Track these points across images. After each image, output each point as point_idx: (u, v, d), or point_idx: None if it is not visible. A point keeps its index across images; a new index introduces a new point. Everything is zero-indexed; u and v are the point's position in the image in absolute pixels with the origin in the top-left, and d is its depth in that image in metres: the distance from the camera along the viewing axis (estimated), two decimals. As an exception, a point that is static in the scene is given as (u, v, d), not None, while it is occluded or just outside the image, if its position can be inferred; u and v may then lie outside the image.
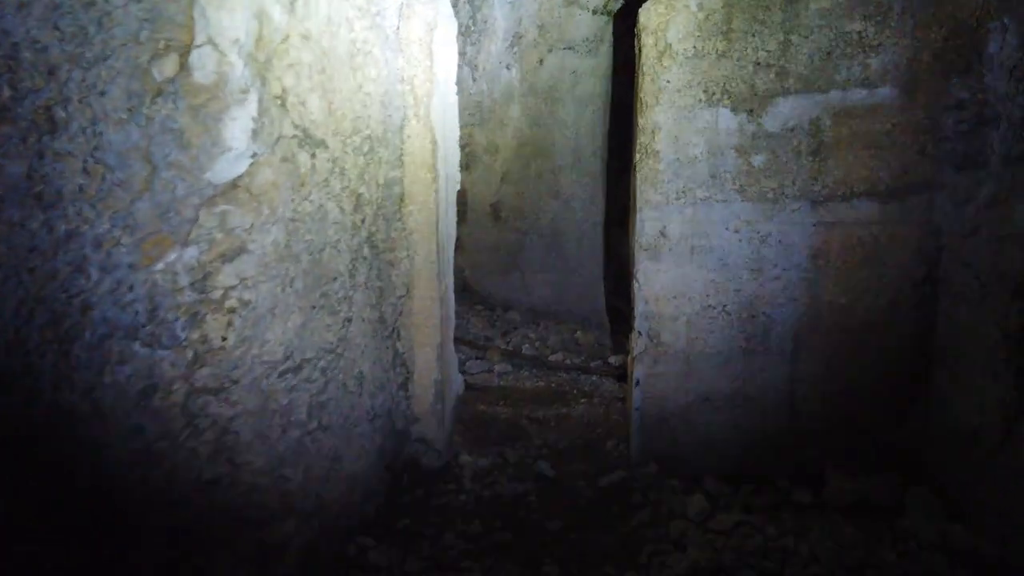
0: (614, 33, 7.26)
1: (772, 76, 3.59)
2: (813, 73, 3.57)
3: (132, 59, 2.13)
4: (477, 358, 5.76)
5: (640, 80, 3.74)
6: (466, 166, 7.79)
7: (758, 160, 3.64)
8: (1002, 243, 3.10)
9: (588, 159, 7.57)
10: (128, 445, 2.25)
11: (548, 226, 7.76)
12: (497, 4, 7.25)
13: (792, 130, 3.62)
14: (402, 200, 3.74)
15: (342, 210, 3.04)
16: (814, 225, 3.64)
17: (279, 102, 2.47)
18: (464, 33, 7.47)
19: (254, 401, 2.48)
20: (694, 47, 3.62)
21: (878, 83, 3.54)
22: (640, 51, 3.74)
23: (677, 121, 3.67)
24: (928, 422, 3.66)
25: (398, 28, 3.65)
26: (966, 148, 3.41)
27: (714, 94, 3.64)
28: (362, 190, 3.29)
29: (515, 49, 7.55)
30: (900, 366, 3.68)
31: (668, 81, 3.65)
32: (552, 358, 5.94)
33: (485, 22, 7.40)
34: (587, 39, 7.43)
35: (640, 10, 3.72)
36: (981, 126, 3.32)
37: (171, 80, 2.15)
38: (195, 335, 2.29)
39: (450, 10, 3.98)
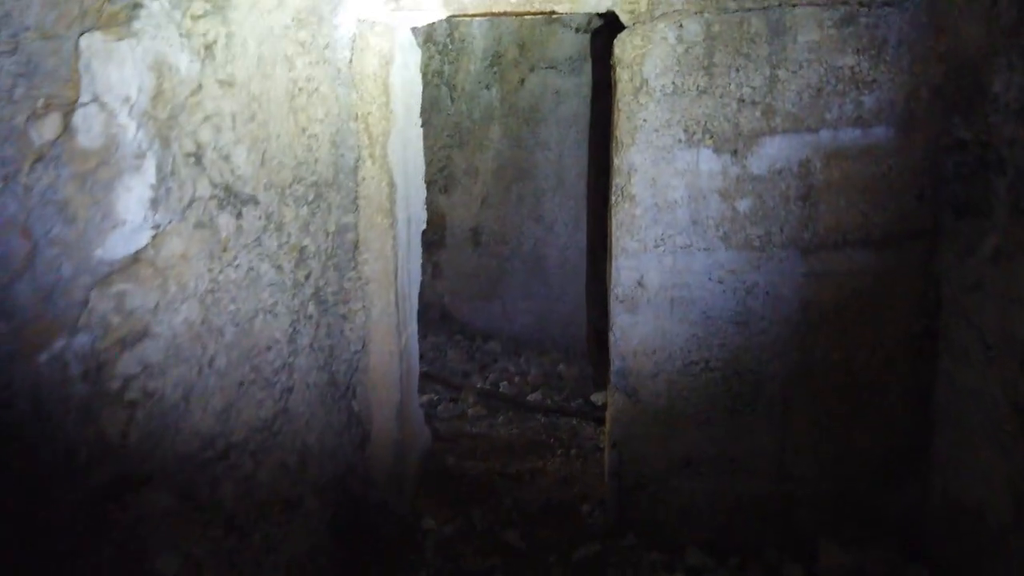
0: (595, 53, 6.99)
1: (758, 114, 3.31)
2: (802, 111, 3.29)
3: (6, 120, 1.82)
4: (451, 399, 5.46)
5: (615, 117, 3.45)
6: (444, 189, 7.51)
7: (743, 205, 3.36)
8: (1009, 304, 2.81)
9: (572, 181, 7.30)
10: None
11: (530, 251, 7.48)
12: (475, 22, 6.97)
13: (780, 172, 3.34)
14: (356, 247, 3.44)
15: (280, 269, 2.74)
16: (804, 275, 3.36)
17: (192, 160, 2.17)
18: (441, 52, 7.19)
19: (166, 501, 2.17)
20: (673, 83, 3.33)
21: (872, 122, 3.26)
22: (615, 85, 3.45)
23: (655, 162, 3.38)
24: (928, 492, 3.37)
25: (351, 61, 3.35)
26: (968, 193, 3.13)
27: (695, 133, 3.35)
28: (306, 242, 2.98)
29: (495, 68, 7.27)
30: (897, 429, 3.40)
31: (645, 119, 3.37)
32: (531, 397, 5.64)
33: (463, 41, 7.13)
34: (570, 58, 7.16)
35: (615, 41, 3.43)
36: (984, 170, 3.04)
37: (52, 144, 1.84)
38: (89, 433, 1.99)
39: (411, 38, 3.69)
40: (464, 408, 5.25)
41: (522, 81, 7.29)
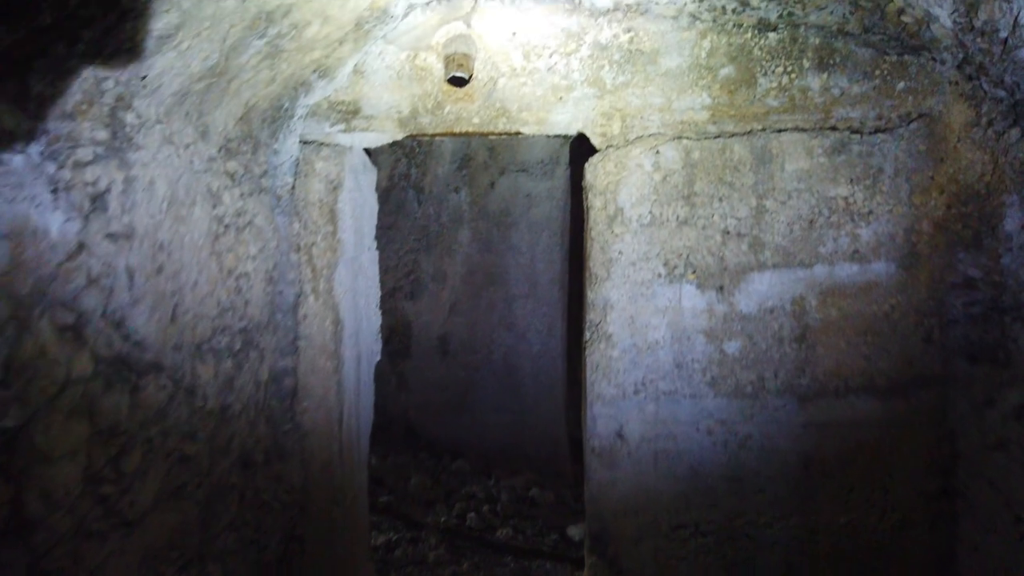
0: (571, 156, 6.82)
1: (745, 248, 3.01)
2: (794, 244, 3.00)
3: None
4: (411, 540, 4.92)
5: (588, 247, 3.13)
6: (410, 295, 7.15)
7: (732, 347, 3.01)
8: (1044, 474, 2.45)
9: (545, 287, 6.97)
10: None
11: (501, 361, 7.07)
12: (443, 126, 6.78)
13: (772, 311, 3.01)
14: (295, 395, 3.02)
15: (191, 439, 2.31)
16: (803, 426, 2.99)
17: (69, 335, 1.77)
18: (408, 155, 6.97)
19: None
20: (651, 212, 3.03)
21: (871, 257, 2.97)
22: (587, 212, 3.15)
23: (633, 299, 3.04)
24: None
25: (293, 188, 3.03)
26: (981, 337, 2.82)
27: (676, 268, 3.04)
28: (230, 400, 2.56)
29: (464, 171, 7.06)
30: (918, 605, 2.97)
31: (620, 252, 3.05)
32: (501, 533, 5.12)
33: (431, 144, 6.92)
34: (542, 161, 6.97)
35: (586, 166, 3.15)
36: (999, 313, 2.74)
37: None
38: None
39: (364, 159, 3.39)
40: (425, 551, 4.71)
41: (492, 184, 7.07)
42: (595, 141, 3.16)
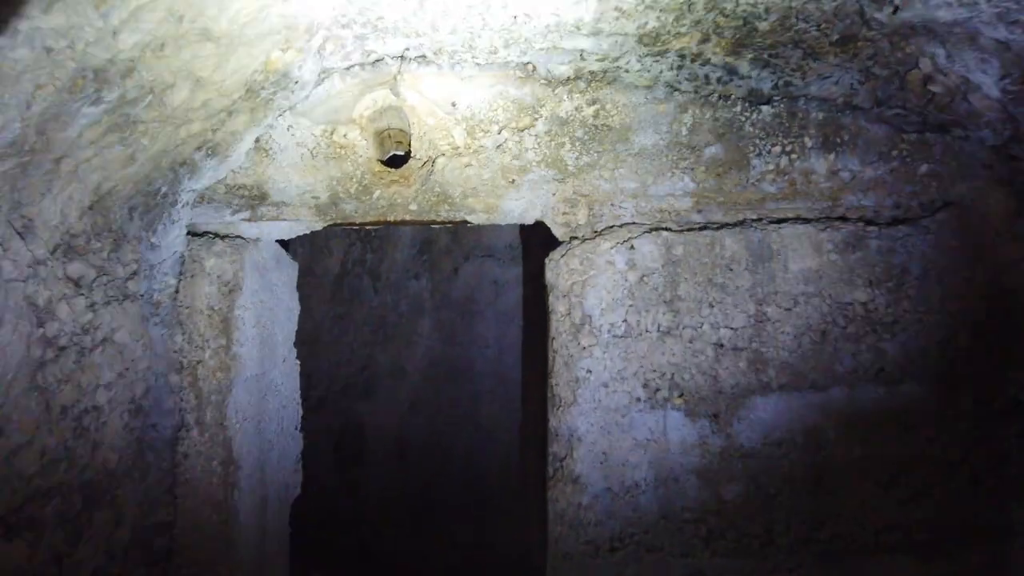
0: (524, 243, 6.31)
1: (743, 365, 2.44)
2: (803, 361, 2.43)
3: None
4: None
5: (551, 361, 2.54)
6: (365, 393, 6.47)
7: (732, 491, 2.40)
8: None
9: (514, 383, 6.35)
10: None
11: (466, 463, 6.38)
12: (401, 207, 6.28)
13: (779, 445, 2.42)
14: (169, 558, 2.34)
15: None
16: (825, 595, 2.34)
17: None
18: (362, 239, 6.43)
19: None
20: (625, 321, 2.47)
21: (899, 377, 2.41)
22: (549, 318, 2.58)
23: (606, 429, 2.44)
24: None
25: (176, 292, 2.43)
26: (1044, 479, 2.23)
27: (659, 390, 2.45)
28: (58, 587, 1.88)
29: (425, 256, 6.51)
30: None
31: (589, 370, 2.46)
32: None
33: (389, 227, 6.40)
34: (510, 245, 6.46)
35: (546, 262, 2.60)
36: (1066, 451, 2.15)
37: None
38: None
39: (278, 252, 2.81)
40: None
41: (456, 270, 6.52)
42: (557, 232, 2.62)
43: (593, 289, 2.48)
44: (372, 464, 6.45)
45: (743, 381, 2.44)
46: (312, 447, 5.01)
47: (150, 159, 2.05)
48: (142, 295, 2.30)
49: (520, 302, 6.49)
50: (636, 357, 2.46)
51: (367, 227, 2.86)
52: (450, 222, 2.74)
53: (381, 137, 2.83)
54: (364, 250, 6.45)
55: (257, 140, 2.46)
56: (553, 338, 2.56)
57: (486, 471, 6.41)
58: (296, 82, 2.20)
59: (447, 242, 6.48)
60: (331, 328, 6.27)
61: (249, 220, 2.61)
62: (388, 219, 2.72)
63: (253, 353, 2.62)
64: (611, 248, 2.49)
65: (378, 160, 2.73)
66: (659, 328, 2.46)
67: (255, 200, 2.58)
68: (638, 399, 2.45)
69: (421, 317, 6.54)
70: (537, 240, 5.30)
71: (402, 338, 6.52)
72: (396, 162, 2.77)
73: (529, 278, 6.10)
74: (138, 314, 2.27)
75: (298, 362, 3.13)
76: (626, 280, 2.48)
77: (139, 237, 2.25)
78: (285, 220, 2.62)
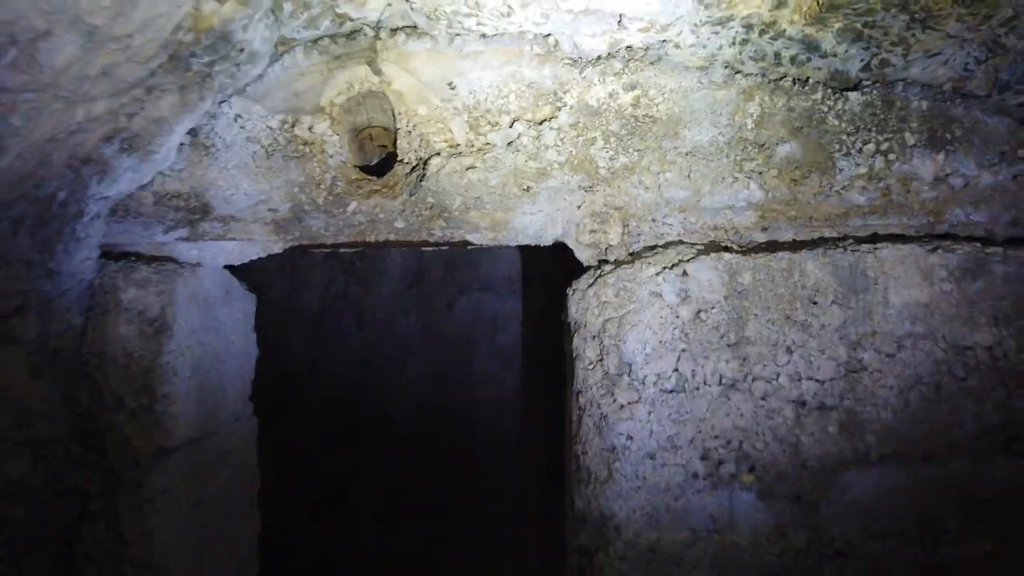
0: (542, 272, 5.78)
1: (833, 429, 1.88)
2: (912, 424, 1.87)
3: None
4: None
5: (576, 422, 1.98)
6: (345, 446, 5.87)
7: (823, 602, 1.82)
8: None
9: (513, 433, 5.76)
10: None
11: (461, 528, 5.76)
12: (389, 236, 5.74)
13: (883, 539, 1.84)
14: None
15: None
16: None
17: None
18: (346, 271, 5.87)
19: None
20: (677, 371, 1.91)
21: (1041, 445, 1.85)
22: (572, 365, 2.02)
23: (652, 518, 1.87)
24: None
25: (83, 334, 1.87)
26: None
27: (723, 463, 1.88)
28: None
29: (415, 290, 5.96)
30: None
31: (629, 436, 1.90)
32: None
33: (375, 257, 5.85)
34: (509, 278, 5.92)
35: (568, 294, 2.05)
36: None
37: None
38: None
39: (230, 282, 2.26)
40: None
41: (450, 305, 5.97)
42: (582, 255, 2.08)
43: (634, 329, 1.93)
44: (354, 528, 5.82)
45: (833, 451, 1.88)
46: (286, 506, 4.39)
47: (32, 149, 1.50)
48: (32, 340, 1.73)
49: (521, 341, 5.93)
50: (692, 419, 1.90)
51: (342, 250, 2.30)
52: (446, 243, 2.20)
53: (360, 138, 2.30)
54: (347, 282, 5.89)
55: (194, 133, 1.92)
56: (579, 392, 1.99)
57: (488, 539, 5.78)
58: (242, 51, 1.67)
59: (440, 274, 5.94)
60: (309, 372, 5.68)
61: (188, 240, 2.06)
62: (368, 239, 2.17)
63: (188, 413, 2.04)
64: (657, 275, 1.94)
65: (355, 166, 2.20)
66: (721, 380, 1.91)
67: (195, 214, 2.03)
68: (695, 475, 1.88)
69: (411, 358, 5.98)
70: (538, 270, 4.76)
71: (389, 383, 5.95)
72: (378, 167, 2.24)
73: (531, 315, 5.54)
74: (24, 365, 1.70)
75: (255, 418, 2.55)
76: (677, 317, 1.92)
77: (27, 260, 1.70)
78: (234, 240, 2.07)
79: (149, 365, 1.91)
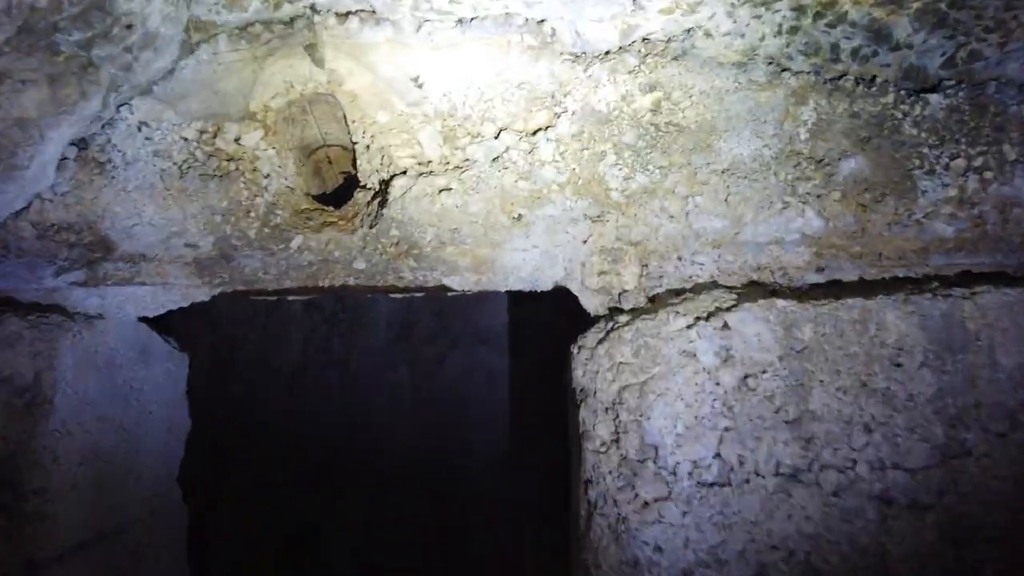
0: (537, 318, 5.33)
1: (931, 536, 1.42)
2: (1039, 530, 1.40)
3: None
4: None
5: (584, 524, 1.51)
6: (328, 524, 5.33)
7: None
8: None
9: (510, 504, 5.23)
10: None
11: (453, 608, 5.18)
12: (375, 284, 5.30)
13: None
14: None
15: None
16: None
17: None
18: (328, 320, 5.42)
19: None
20: (719, 457, 1.45)
21: None
22: (578, 445, 1.56)
23: (689, 658, 1.37)
24: None
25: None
26: None
27: (784, 584, 1.40)
28: None
29: (404, 343, 5.50)
30: None
31: (659, 547, 1.43)
32: None
33: (359, 307, 5.40)
34: (506, 328, 5.47)
35: (573, 353, 1.60)
36: None
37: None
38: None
39: (147, 339, 1.81)
40: None
41: (441, 360, 5.49)
42: (589, 302, 1.64)
43: (660, 400, 1.47)
44: (333, 607, 5.25)
45: (933, 568, 1.40)
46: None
47: None
48: None
49: (520, 398, 5.47)
50: (742, 523, 1.42)
51: (288, 296, 1.86)
52: (419, 289, 1.77)
53: (315, 161, 1.88)
54: (329, 334, 5.43)
55: (83, 145, 1.50)
56: (587, 482, 1.53)
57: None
58: (129, 27, 1.25)
59: (431, 324, 5.48)
60: (288, 431, 5.19)
61: (85, 285, 1.62)
62: (320, 284, 1.74)
63: (77, 510, 1.57)
64: (688, 328, 1.49)
65: (307, 195, 1.77)
66: (779, 470, 1.44)
67: (94, 251, 1.59)
68: (748, 601, 1.40)
69: (399, 418, 5.49)
70: (532, 315, 4.31)
71: (374, 443, 5.44)
72: (337, 197, 1.82)
73: (525, 376, 5.08)
74: None
75: (185, 507, 2.07)
76: (718, 384, 1.47)
77: None
78: (145, 284, 1.63)
79: (15, 451, 1.45)
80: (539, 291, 1.73)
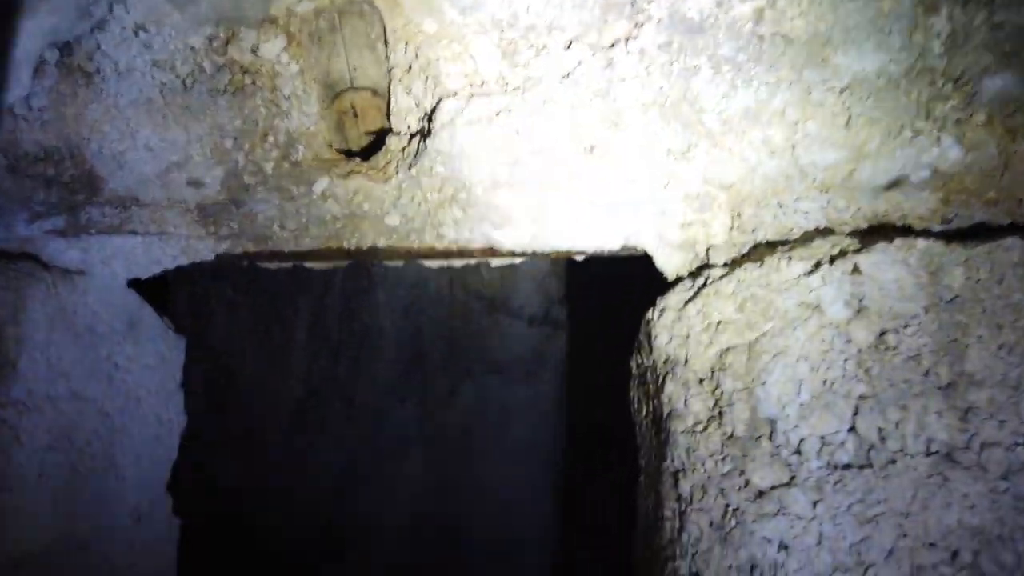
0: (570, 353, 5.08)
1: None
2: None
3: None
4: None
5: (663, 524, 1.20)
6: (327, 560, 4.96)
7: None
8: None
9: (531, 549, 4.91)
10: None
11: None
12: (383, 307, 5.01)
13: None
14: None
15: None
16: None
17: None
18: (332, 348, 5.12)
19: None
20: (853, 432, 1.15)
21: None
22: (662, 431, 1.26)
23: None
24: None
25: None
26: None
27: (948, 594, 1.09)
28: None
29: (413, 372, 5.19)
30: None
31: (783, 546, 1.12)
32: None
33: (365, 333, 5.10)
34: (522, 359, 5.15)
35: (652, 319, 1.32)
36: None
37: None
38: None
39: (134, 304, 1.53)
40: None
41: (452, 391, 5.16)
42: (666, 262, 1.39)
43: (778, 362, 1.18)
44: (333, 664, 4.84)
45: None
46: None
47: None
48: None
49: (535, 436, 5.21)
50: (889, 515, 1.12)
51: (310, 263, 1.59)
52: (461, 253, 1.50)
53: (339, 111, 1.63)
54: (334, 361, 5.12)
55: (67, 51, 1.24)
56: (678, 473, 1.23)
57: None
58: None
59: (442, 353, 5.17)
60: (288, 468, 4.84)
61: (65, 235, 1.35)
62: (344, 245, 1.47)
63: (39, 510, 1.27)
64: (807, 275, 1.21)
65: (329, 145, 1.52)
66: (930, 448, 1.14)
67: (76, 191, 1.33)
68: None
69: (406, 456, 5.14)
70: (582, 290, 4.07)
71: (379, 485, 5.09)
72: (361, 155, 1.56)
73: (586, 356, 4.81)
74: None
75: (176, 520, 1.76)
76: (849, 341, 1.18)
77: None
78: (138, 235, 1.36)
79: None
80: (611, 253, 1.46)
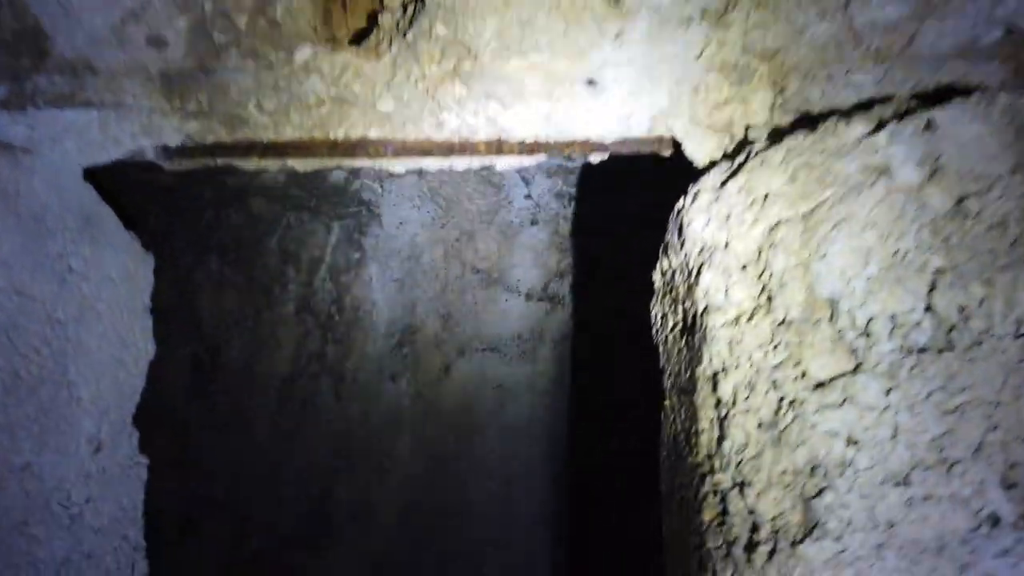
0: (575, 327, 4.91)
1: None
2: None
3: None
4: None
5: (698, 434, 1.02)
6: (313, 546, 4.77)
7: None
8: None
9: (527, 529, 4.74)
10: None
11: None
12: (375, 281, 4.82)
13: None
14: None
15: None
16: None
17: None
18: (322, 324, 4.93)
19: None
20: (929, 311, 0.98)
21: None
22: (698, 328, 1.09)
23: None
24: None
25: None
26: None
27: (1048, 496, 0.91)
28: None
29: (405, 350, 4.99)
30: None
31: (851, 440, 0.95)
32: None
33: (356, 308, 4.90)
34: (519, 336, 4.97)
35: (685, 206, 1.15)
36: None
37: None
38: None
39: (91, 200, 1.35)
40: None
41: (447, 369, 4.98)
42: (698, 148, 1.25)
43: (841, 231, 1.01)
44: (322, 653, 4.65)
45: None
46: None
47: None
48: None
49: (533, 414, 5.05)
50: (976, 403, 0.95)
51: (289, 160, 1.41)
52: (463, 147, 1.33)
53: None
54: (323, 340, 4.94)
55: None
56: (717, 375, 1.06)
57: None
58: None
59: (436, 330, 4.99)
60: (275, 450, 4.65)
61: (8, 107, 1.18)
62: (331, 135, 1.30)
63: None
64: (870, 135, 1.04)
65: (313, 28, 1.34)
66: (1020, 328, 0.97)
67: (19, 54, 1.15)
68: (992, 519, 0.92)
69: (399, 434, 4.96)
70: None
71: (371, 463, 4.91)
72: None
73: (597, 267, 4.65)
74: None
75: (144, 462, 1.57)
76: (923, 207, 1.01)
77: None
78: (91, 106, 1.18)
79: None
80: (627, 141, 1.29)
